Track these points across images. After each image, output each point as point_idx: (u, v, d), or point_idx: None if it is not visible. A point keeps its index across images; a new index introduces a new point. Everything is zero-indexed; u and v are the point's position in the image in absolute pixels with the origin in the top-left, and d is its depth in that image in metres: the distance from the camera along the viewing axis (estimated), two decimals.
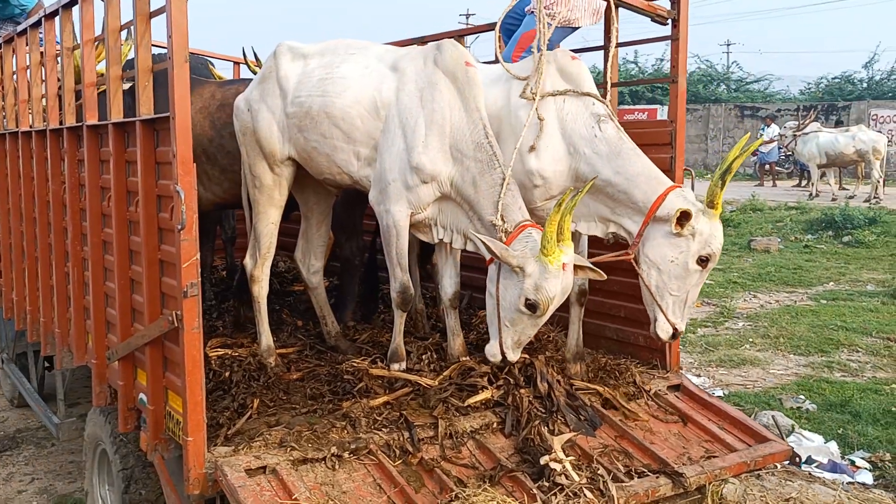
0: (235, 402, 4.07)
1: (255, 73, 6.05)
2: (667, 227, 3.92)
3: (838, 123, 24.61)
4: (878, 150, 19.90)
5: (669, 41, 4.69)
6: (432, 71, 4.15)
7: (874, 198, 19.85)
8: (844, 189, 21.99)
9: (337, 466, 3.54)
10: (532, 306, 3.69)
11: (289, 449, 3.55)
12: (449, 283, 4.47)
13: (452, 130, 4.06)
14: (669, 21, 4.66)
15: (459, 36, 6.05)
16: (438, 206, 4.20)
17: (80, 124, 4.61)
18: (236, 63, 8.13)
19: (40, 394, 6.62)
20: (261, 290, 4.77)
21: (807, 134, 20.71)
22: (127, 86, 4.65)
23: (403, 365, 4.38)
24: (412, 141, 4.07)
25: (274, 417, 3.90)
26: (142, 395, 4.05)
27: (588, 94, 4.25)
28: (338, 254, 5.75)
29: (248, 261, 4.81)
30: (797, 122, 22.03)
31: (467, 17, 43.09)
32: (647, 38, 5.14)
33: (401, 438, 3.73)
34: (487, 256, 3.85)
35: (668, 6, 4.67)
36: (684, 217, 3.87)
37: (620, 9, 4.88)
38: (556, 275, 3.63)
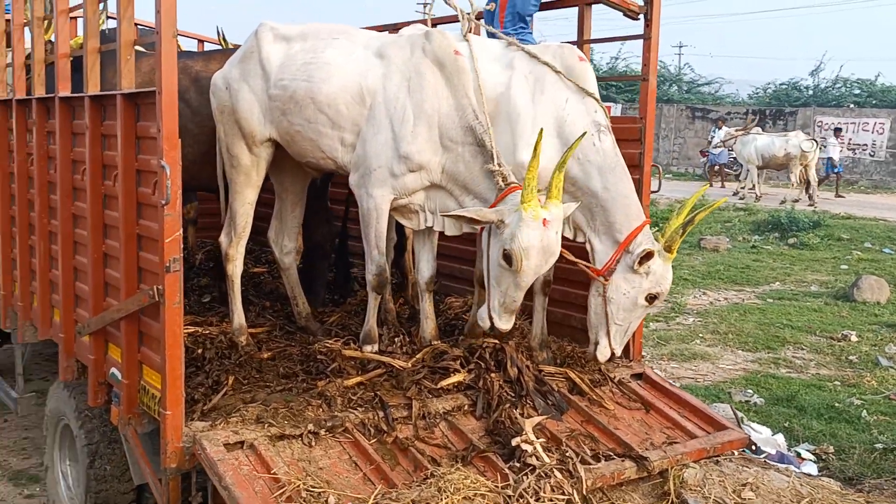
0: (209, 378, 4.09)
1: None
2: (627, 260, 4.10)
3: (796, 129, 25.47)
4: (806, 155, 20.70)
5: (642, 39, 4.79)
6: (420, 60, 4.16)
7: (790, 200, 20.60)
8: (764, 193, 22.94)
9: (314, 443, 3.59)
10: (507, 257, 3.68)
11: (266, 425, 3.59)
12: (426, 266, 4.51)
13: (441, 119, 4.08)
14: (641, 18, 4.76)
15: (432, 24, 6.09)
16: (426, 193, 4.24)
17: (51, 96, 4.56)
18: (200, 41, 8.08)
19: None
20: (235, 268, 4.78)
21: (747, 136, 21.47)
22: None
23: (376, 347, 4.43)
24: (400, 130, 4.09)
25: (249, 394, 3.94)
26: (113, 370, 4.05)
27: (592, 98, 4.27)
28: (308, 239, 5.76)
29: (223, 239, 4.80)
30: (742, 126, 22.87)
31: (425, 6, 42.92)
32: (617, 35, 5.26)
33: (375, 418, 3.79)
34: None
35: (640, 3, 4.77)
36: (647, 257, 4.05)
37: (592, 6, 5.01)
38: (531, 225, 3.61)
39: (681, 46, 46.92)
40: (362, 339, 4.49)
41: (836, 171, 23.67)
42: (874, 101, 31.19)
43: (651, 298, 4.15)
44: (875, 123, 28.13)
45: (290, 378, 4.17)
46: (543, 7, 5.38)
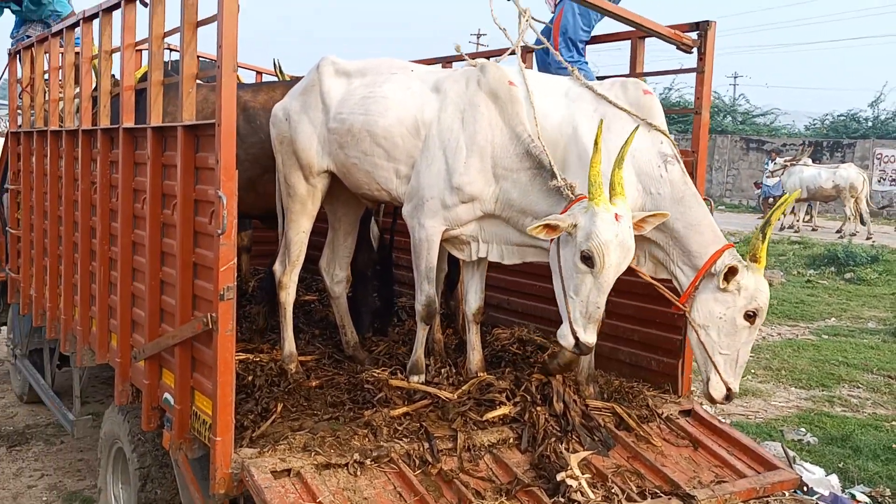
0: (259, 405, 4.15)
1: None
2: (713, 283, 3.96)
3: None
4: (855, 188, 20.39)
5: (695, 73, 4.79)
6: (474, 92, 4.21)
7: (840, 233, 20.21)
8: (807, 224, 22.52)
9: (359, 473, 3.62)
10: (587, 258, 3.58)
11: (313, 453, 3.63)
12: (474, 297, 4.54)
13: (495, 150, 4.10)
14: (695, 51, 4.77)
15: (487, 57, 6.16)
16: (479, 224, 4.25)
17: (115, 126, 4.71)
18: (259, 73, 8.29)
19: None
20: (288, 296, 4.85)
21: (795, 167, 21.25)
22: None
23: (423, 377, 4.46)
24: (453, 162, 4.14)
25: (297, 422, 3.97)
26: (167, 395, 4.13)
27: (658, 130, 4.23)
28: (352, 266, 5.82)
29: (277, 267, 4.88)
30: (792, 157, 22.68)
31: (478, 37, 43.38)
32: (673, 69, 5.27)
33: (421, 449, 3.80)
34: (545, 243, 3.84)
35: (694, 37, 4.78)
36: (731, 273, 3.90)
37: (647, 38, 5.03)
38: (605, 219, 3.56)
39: (736, 77, 46.55)
40: (409, 369, 4.53)
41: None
42: None
43: (750, 316, 3.95)
44: None
45: (337, 407, 4.20)
46: (597, 40, 5.41)
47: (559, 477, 3.72)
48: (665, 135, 4.24)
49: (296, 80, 6.20)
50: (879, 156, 28.62)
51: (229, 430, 3.54)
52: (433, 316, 4.48)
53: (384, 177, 4.41)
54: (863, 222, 20.89)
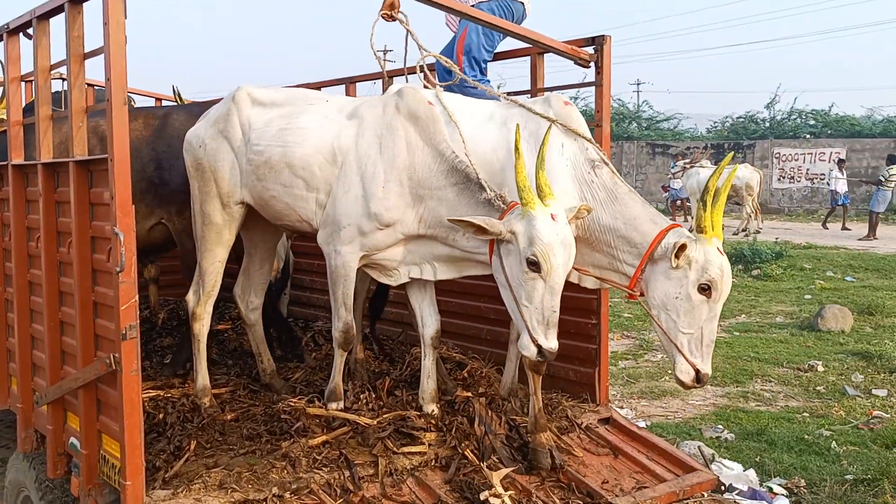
0: (171, 444, 4.02)
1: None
2: (662, 264, 3.89)
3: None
4: (751, 187, 21.19)
5: (594, 87, 4.88)
6: (392, 116, 4.15)
7: (745, 231, 20.93)
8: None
9: None
10: (534, 263, 3.56)
11: (229, 490, 3.54)
12: (430, 320, 4.40)
13: (416, 171, 4.04)
14: (592, 65, 4.85)
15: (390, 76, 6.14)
16: (404, 246, 4.18)
17: (4, 163, 4.53)
18: (157, 99, 8.11)
19: None
20: (202, 328, 4.73)
21: (692, 169, 21.93)
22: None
23: (342, 404, 4.39)
24: (371, 188, 4.06)
25: (212, 459, 3.87)
26: (73, 440, 3.97)
27: (583, 138, 4.20)
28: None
29: (190, 297, 4.76)
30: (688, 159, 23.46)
31: (385, 54, 43.41)
32: (572, 83, 5.35)
33: (341, 477, 3.75)
34: (486, 258, 3.81)
35: (591, 51, 4.87)
36: (681, 249, 3.83)
37: (545, 54, 5.10)
38: (543, 221, 3.55)
39: (639, 84, 47.85)
40: (327, 396, 4.44)
41: (841, 202, 23.42)
42: (829, 132, 31.90)
43: (705, 289, 3.82)
44: (831, 153, 28.75)
45: (253, 440, 4.10)
46: (498, 56, 5.46)
47: (482, 496, 3.71)
48: (589, 141, 4.24)
49: (196, 104, 6.10)
50: (778, 155, 29.73)
51: (139, 473, 3.41)
52: (350, 342, 4.40)
53: (304, 207, 4.33)
54: (756, 217, 21.71)
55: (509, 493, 3.77)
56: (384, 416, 4.26)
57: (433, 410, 4.32)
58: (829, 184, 24.78)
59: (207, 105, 5.45)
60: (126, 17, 3.31)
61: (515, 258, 3.63)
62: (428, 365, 4.39)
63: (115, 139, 3.34)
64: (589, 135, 4.28)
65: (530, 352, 3.65)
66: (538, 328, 3.64)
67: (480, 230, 3.64)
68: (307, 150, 4.28)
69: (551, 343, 3.65)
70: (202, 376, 4.68)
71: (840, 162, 24.83)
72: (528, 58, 5.20)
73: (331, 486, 3.71)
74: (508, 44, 5.16)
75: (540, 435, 4.17)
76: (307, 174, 4.27)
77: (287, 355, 5.60)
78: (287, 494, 3.60)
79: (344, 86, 6.39)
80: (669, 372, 8.98)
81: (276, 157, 4.34)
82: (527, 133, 4.12)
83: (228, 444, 4.08)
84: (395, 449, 4.01)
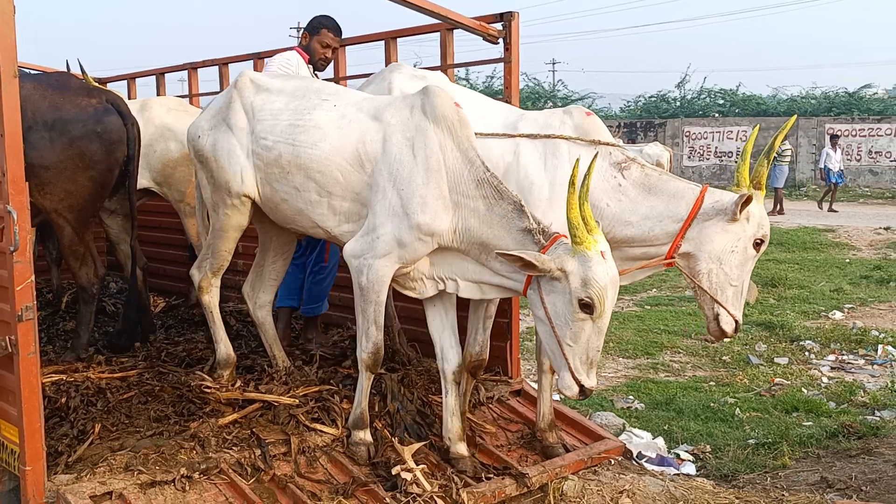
0: (75, 428, 3.91)
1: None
2: (717, 220, 3.91)
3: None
4: (661, 164, 21.75)
5: (503, 63, 4.91)
6: (420, 118, 3.86)
7: None
8: None
9: (187, 487, 3.49)
10: (587, 306, 3.38)
11: (136, 472, 3.47)
12: (451, 354, 4.05)
13: (449, 174, 3.78)
14: (501, 41, 4.88)
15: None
16: (430, 259, 3.91)
17: None
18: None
19: None
20: (211, 298, 4.57)
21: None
22: None
23: (367, 434, 4.05)
24: (408, 195, 3.76)
25: (118, 442, 3.78)
26: None
27: (606, 144, 4.15)
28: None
29: (194, 272, 4.60)
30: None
31: (298, 30, 42.86)
32: (481, 59, 5.38)
33: (252, 456, 3.72)
34: (519, 287, 3.63)
35: (499, 27, 4.89)
36: (747, 202, 3.86)
37: (455, 30, 5.10)
38: (598, 261, 3.38)
39: (554, 63, 48.35)
40: (352, 422, 4.07)
41: (833, 181, 22.06)
42: (737, 110, 32.88)
43: (758, 244, 3.93)
44: (738, 131, 29.62)
45: (161, 421, 4.02)
46: (406, 32, 5.44)
47: (394, 471, 3.73)
48: (612, 145, 4.18)
49: (46, 75, 5.83)
50: (688, 133, 30.47)
51: (40, 458, 3.32)
52: (379, 364, 4.01)
53: (320, 214, 4.04)
54: None
55: (421, 467, 3.80)
56: (298, 392, 4.23)
57: (461, 451, 4.03)
58: (820, 161, 22.77)
59: (56, 76, 5.23)
60: None
61: (562, 297, 3.44)
62: (451, 402, 4.05)
63: (6, 114, 3.20)
64: (611, 139, 4.23)
65: (572, 392, 3.49)
66: (581, 368, 3.47)
67: (528, 266, 3.44)
68: (324, 152, 3.97)
69: (592, 381, 3.51)
70: (224, 345, 4.56)
71: (833, 138, 23.27)
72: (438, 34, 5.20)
73: (241, 466, 3.68)
74: (418, 20, 5.14)
75: (552, 433, 4.32)
76: (324, 179, 3.97)
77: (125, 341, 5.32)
78: (196, 475, 3.55)
79: (252, 61, 6.30)
80: None
81: (287, 156, 4.05)
82: (542, 145, 4.13)
83: (135, 426, 3.99)
84: (307, 425, 3.99)
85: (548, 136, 4.16)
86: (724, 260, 3.93)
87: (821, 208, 21.58)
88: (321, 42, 5.26)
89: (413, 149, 3.82)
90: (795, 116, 4.67)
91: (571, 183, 3.39)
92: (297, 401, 4.19)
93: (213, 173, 4.33)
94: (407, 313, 4.96)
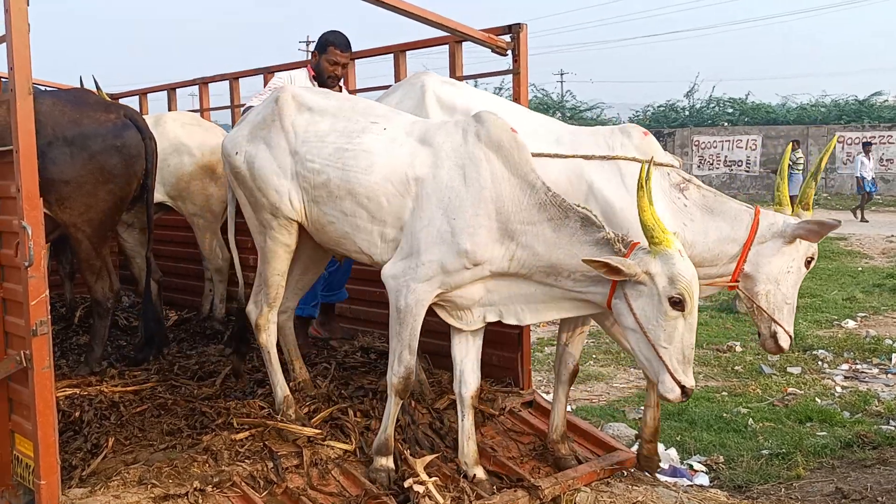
0: (88, 442, 3.95)
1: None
2: (773, 242, 4.04)
3: None
4: None
5: (511, 74, 4.93)
6: (474, 145, 3.76)
7: None
8: None
9: (200, 501, 3.51)
10: (678, 303, 3.40)
11: (149, 486, 3.49)
12: (471, 378, 4.00)
13: (506, 204, 3.68)
14: (509, 53, 4.91)
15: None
16: (485, 285, 3.80)
17: None
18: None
19: None
20: (268, 338, 4.33)
21: None
22: None
23: (391, 460, 3.96)
24: (458, 224, 3.67)
25: (131, 455, 3.81)
26: None
27: (664, 165, 4.18)
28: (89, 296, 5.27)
29: (251, 308, 4.37)
30: None
31: (307, 45, 43.05)
32: (490, 71, 5.39)
33: (265, 469, 3.73)
34: (600, 299, 3.60)
35: (508, 39, 4.92)
36: (821, 226, 4.02)
37: (463, 42, 5.13)
38: (680, 258, 3.42)
39: (562, 74, 48.42)
40: (376, 447, 3.97)
41: (868, 189, 21.52)
42: (746, 119, 32.83)
43: (808, 262, 4.13)
44: (748, 140, 29.59)
45: (174, 435, 4.05)
46: (415, 45, 5.47)
47: (406, 484, 3.73)
48: (670, 166, 4.23)
49: (63, 91, 5.89)
50: (697, 143, 30.47)
51: (54, 472, 3.33)
52: (409, 389, 3.94)
53: (367, 240, 3.94)
54: None
55: (434, 479, 3.80)
56: (316, 419, 4.21)
57: (478, 475, 3.98)
58: (856, 170, 22.05)
59: (74, 92, 5.29)
60: (28, 4, 3.21)
61: (651, 300, 3.44)
62: (467, 426, 3.99)
63: (21, 130, 3.24)
64: (669, 160, 4.30)
65: (675, 394, 3.48)
66: (679, 367, 3.47)
67: (614, 271, 3.40)
68: (375, 178, 3.86)
69: (691, 380, 3.50)
70: (281, 388, 4.32)
71: (866, 146, 22.80)
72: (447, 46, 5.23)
73: (254, 479, 3.69)
74: (426, 32, 5.17)
75: (564, 444, 4.33)
76: (373, 205, 3.87)
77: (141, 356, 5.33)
78: (209, 488, 3.56)
79: (262, 76, 6.35)
80: (594, 356, 9.16)
81: (336, 181, 3.92)
82: (609, 166, 4.17)
83: (148, 439, 4.02)
84: (319, 441, 4.00)
85: (611, 158, 4.19)
86: (780, 280, 4.07)
87: (856, 217, 20.92)
88: (329, 60, 5.27)
89: (465, 177, 3.73)
90: (836, 137, 4.80)
91: (640, 186, 3.42)
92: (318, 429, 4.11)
93: (252, 193, 4.17)
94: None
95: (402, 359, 3.83)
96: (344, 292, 5.59)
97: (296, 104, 4.14)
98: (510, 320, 3.86)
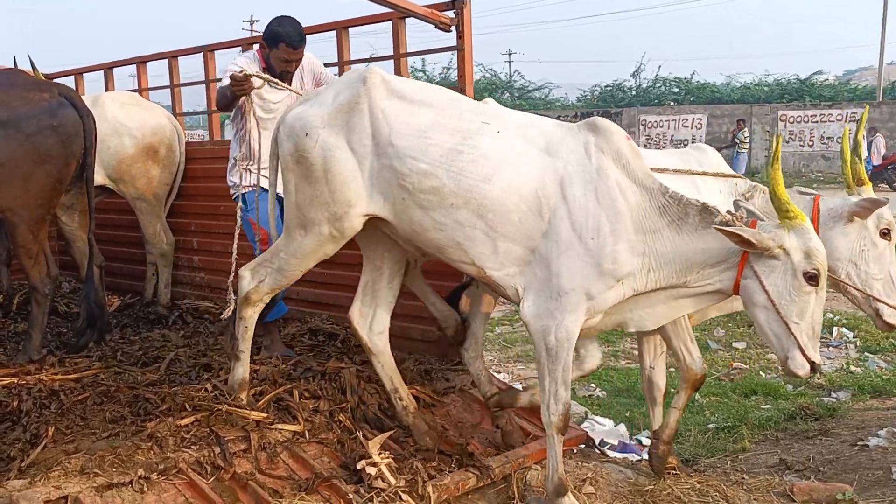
0: (27, 432, 3.83)
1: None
2: (836, 226, 4.05)
3: None
4: None
5: (455, 51, 4.88)
6: (599, 160, 3.59)
7: None
8: None
9: (145, 489, 3.42)
10: (812, 277, 3.38)
11: (92, 475, 3.39)
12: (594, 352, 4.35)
13: (634, 214, 3.55)
14: (453, 29, 4.85)
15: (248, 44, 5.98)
16: (621, 306, 3.68)
17: None
18: None
19: None
20: (254, 313, 4.10)
21: None
22: None
23: (573, 498, 3.78)
24: (598, 246, 3.51)
25: (73, 444, 3.71)
26: None
27: (728, 176, 4.23)
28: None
29: (246, 276, 4.09)
30: None
31: (251, 24, 42.43)
32: (433, 48, 5.34)
33: (212, 454, 3.66)
34: (726, 286, 3.53)
35: (451, 15, 4.86)
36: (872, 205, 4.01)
37: (407, 19, 5.06)
38: (813, 233, 3.42)
39: (510, 54, 48.49)
40: (554, 491, 3.76)
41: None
42: (692, 98, 33.28)
43: (885, 233, 4.11)
44: (693, 119, 29.98)
45: (117, 422, 3.95)
46: (356, 22, 5.38)
47: (359, 465, 3.70)
48: (733, 176, 4.28)
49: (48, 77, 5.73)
50: (644, 122, 30.76)
51: None
52: (568, 423, 3.76)
53: (480, 253, 3.65)
54: None
55: (387, 461, 3.77)
56: (261, 402, 4.13)
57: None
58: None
59: (5, 73, 5.09)
60: None
61: (784, 275, 3.40)
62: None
63: None
64: (730, 170, 4.35)
65: (805, 370, 3.43)
66: (808, 343, 3.43)
67: (746, 242, 3.35)
68: (498, 190, 3.58)
69: (818, 355, 3.48)
70: (243, 368, 4.14)
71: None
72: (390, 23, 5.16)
73: (201, 465, 3.61)
74: (369, 9, 5.10)
75: (669, 447, 4.34)
76: (499, 220, 3.59)
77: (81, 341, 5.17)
78: (154, 475, 3.48)
79: (202, 54, 6.22)
80: None
81: (450, 186, 3.59)
82: (712, 183, 4.18)
83: (90, 428, 3.91)
84: (266, 424, 3.94)
85: (690, 173, 4.19)
86: (857, 260, 4.07)
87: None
88: (280, 57, 4.74)
89: (597, 196, 3.55)
90: (868, 107, 4.83)
91: (776, 158, 3.42)
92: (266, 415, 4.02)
93: (316, 185, 3.76)
94: (399, 309, 4.88)
95: (559, 397, 3.66)
96: (283, 306, 5.24)
97: (386, 88, 3.75)
98: (631, 328, 3.79)
